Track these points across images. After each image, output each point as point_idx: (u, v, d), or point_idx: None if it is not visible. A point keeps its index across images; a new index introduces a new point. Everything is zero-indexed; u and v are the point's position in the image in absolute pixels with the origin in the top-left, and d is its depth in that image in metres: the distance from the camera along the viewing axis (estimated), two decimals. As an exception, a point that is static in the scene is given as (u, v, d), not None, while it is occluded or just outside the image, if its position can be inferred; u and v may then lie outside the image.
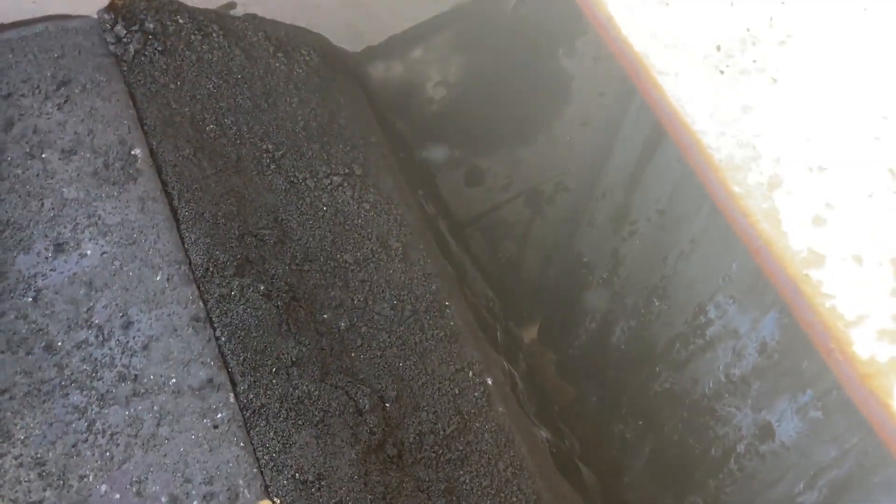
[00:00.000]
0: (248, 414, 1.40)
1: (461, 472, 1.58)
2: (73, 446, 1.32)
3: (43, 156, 1.54)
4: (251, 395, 1.42)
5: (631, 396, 2.60)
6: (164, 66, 1.71)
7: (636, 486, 2.66)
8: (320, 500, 1.37)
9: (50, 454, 1.31)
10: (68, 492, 1.28)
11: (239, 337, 1.47)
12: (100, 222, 1.51)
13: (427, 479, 1.54)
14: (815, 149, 1.37)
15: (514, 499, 1.60)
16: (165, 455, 1.33)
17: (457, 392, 1.67)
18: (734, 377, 2.09)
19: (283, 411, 1.43)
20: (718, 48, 1.42)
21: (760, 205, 1.31)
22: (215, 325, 1.46)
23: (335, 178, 1.80)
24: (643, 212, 2.29)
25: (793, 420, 1.89)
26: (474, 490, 1.58)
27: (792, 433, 1.90)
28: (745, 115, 1.39)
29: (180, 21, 1.76)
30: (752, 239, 1.28)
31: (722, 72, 1.41)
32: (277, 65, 1.85)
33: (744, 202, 1.31)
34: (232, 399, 1.40)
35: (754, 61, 1.42)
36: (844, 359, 1.18)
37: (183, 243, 1.53)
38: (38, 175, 1.53)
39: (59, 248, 1.47)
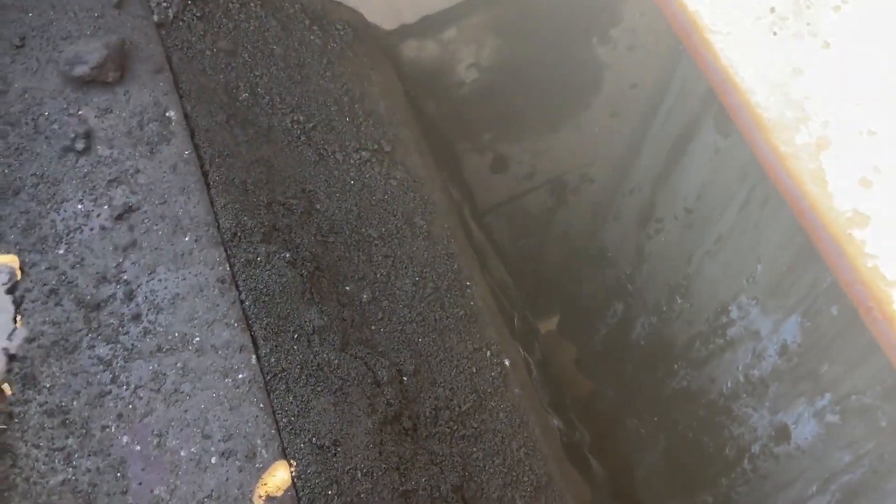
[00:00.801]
0: (268, 377, 1.41)
1: (475, 449, 1.59)
2: (97, 397, 1.34)
3: (80, 112, 1.56)
4: (273, 359, 1.43)
5: (648, 392, 2.59)
6: (202, 32, 1.72)
7: (649, 481, 2.65)
8: (335, 466, 1.38)
9: (74, 403, 1.33)
10: (90, 441, 1.30)
11: (263, 302, 1.49)
12: (132, 181, 1.53)
13: (441, 453, 1.54)
14: (866, 113, 1.37)
15: (526, 478, 1.61)
16: (186, 411, 1.35)
17: (474, 371, 1.67)
18: (753, 378, 2.07)
19: (304, 377, 1.44)
20: (772, 10, 1.42)
21: (807, 165, 1.32)
22: (241, 289, 1.48)
23: (364, 154, 1.81)
24: (670, 209, 2.28)
25: (809, 423, 1.88)
26: (486, 467, 1.58)
27: (808, 436, 1.89)
28: (796, 78, 1.39)
29: (220, -11, 1.77)
30: (798, 199, 1.29)
31: (775, 33, 1.41)
32: (312, 38, 1.86)
33: (791, 162, 1.31)
34: (254, 360, 1.41)
35: (808, 24, 1.41)
36: (884, 318, 1.18)
37: (212, 207, 1.54)
38: (74, 131, 1.55)
39: (91, 204, 1.49)
